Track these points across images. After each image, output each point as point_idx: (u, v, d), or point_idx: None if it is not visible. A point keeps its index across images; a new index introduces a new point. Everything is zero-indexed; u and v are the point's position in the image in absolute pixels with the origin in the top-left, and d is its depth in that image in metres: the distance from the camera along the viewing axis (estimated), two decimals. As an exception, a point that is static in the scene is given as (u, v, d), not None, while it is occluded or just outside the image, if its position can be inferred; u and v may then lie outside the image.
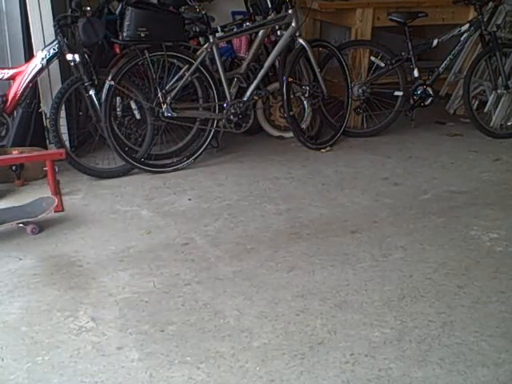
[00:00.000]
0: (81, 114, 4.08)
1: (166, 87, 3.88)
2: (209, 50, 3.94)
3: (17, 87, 3.73)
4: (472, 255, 2.96)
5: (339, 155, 4.34)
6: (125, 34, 3.66)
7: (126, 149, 3.89)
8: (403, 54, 4.51)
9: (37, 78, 3.79)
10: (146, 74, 3.94)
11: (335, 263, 2.88)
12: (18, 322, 2.42)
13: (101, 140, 3.94)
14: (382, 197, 3.64)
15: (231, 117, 4.10)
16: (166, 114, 3.85)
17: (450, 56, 4.63)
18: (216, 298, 2.59)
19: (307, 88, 4.33)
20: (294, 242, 3.08)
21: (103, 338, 2.33)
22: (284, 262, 2.89)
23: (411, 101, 4.61)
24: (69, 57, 3.68)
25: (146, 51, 3.75)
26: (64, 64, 3.90)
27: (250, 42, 4.40)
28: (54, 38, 3.75)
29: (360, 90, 4.53)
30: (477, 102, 4.85)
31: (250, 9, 4.39)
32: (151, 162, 3.98)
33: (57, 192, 3.47)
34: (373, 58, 4.58)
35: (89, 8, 3.70)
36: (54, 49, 3.73)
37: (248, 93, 4.17)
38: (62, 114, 3.82)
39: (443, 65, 4.63)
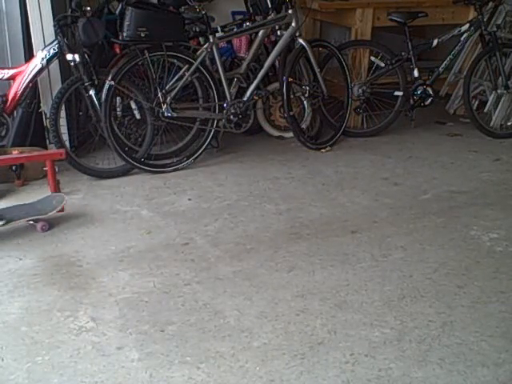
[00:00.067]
0: (81, 114, 4.08)
1: (166, 87, 3.88)
2: (209, 50, 3.94)
3: (17, 87, 3.74)
4: (472, 255, 2.96)
5: (339, 155, 4.34)
6: (125, 34, 3.66)
7: (126, 149, 3.89)
8: (403, 53, 4.51)
9: (37, 77, 3.79)
10: (146, 74, 3.94)
11: (335, 263, 2.88)
12: (18, 321, 2.42)
13: (101, 140, 3.94)
14: (382, 197, 3.64)
15: (231, 117, 4.10)
16: (166, 114, 3.85)
17: (450, 56, 4.63)
18: (216, 298, 2.59)
19: (307, 88, 4.33)
20: (293, 242, 3.08)
21: (103, 337, 2.33)
22: (284, 261, 2.89)
23: (411, 101, 4.61)
24: (69, 57, 3.69)
25: (146, 51, 3.75)
26: (64, 64, 3.90)
27: (250, 42, 4.40)
28: (54, 38, 3.75)
29: (360, 90, 4.53)
30: (477, 102, 4.85)
31: (250, 9, 4.39)
32: (151, 162, 3.98)
33: (57, 192, 3.47)
34: (373, 58, 4.58)
35: (89, 8, 3.70)
36: (54, 49, 3.73)
37: (248, 93, 4.17)
38: (62, 114, 3.82)
39: (443, 65, 4.63)
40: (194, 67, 3.88)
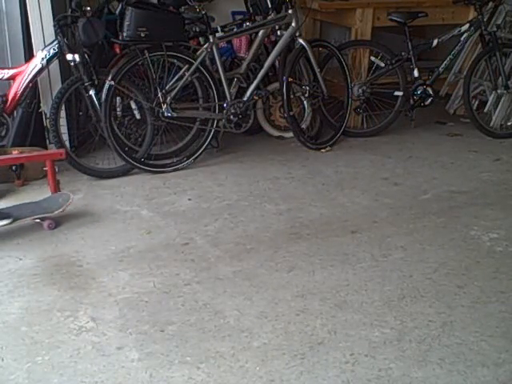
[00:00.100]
0: (81, 114, 4.08)
1: (166, 87, 3.88)
2: (209, 50, 3.94)
3: (17, 87, 3.74)
4: (472, 255, 2.96)
5: (339, 155, 4.34)
6: (125, 34, 3.66)
7: (126, 149, 3.89)
8: (403, 53, 4.51)
9: (37, 77, 3.79)
10: (146, 74, 3.94)
11: (335, 263, 2.88)
12: (18, 321, 2.42)
13: (101, 140, 3.94)
14: (382, 197, 3.64)
15: (231, 117, 4.10)
16: (166, 114, 3.85)
17: (450, 56, 4.63)
18: (216, 298, 2.59)
19: (307, 88, 4.33)
20: (293, 242, 3.08)
21: (103, 337, 2.33)
22: (284, 261, 2.89)
23: (411, 101, 4.61)
24: (69, 57, 3.69)
25: (145, 51, 3.75)
26: (64, 64, 3.90)
27: (250, 42, 4.40)
28: (54, 38, 3.75)
29: (360, 90, 4.53)
30: (477, 102, 4.85)
31: (250, 9, 4.38)
32: (151, 162, 3.98)
33: (57, 192, 3.47)
34: (373, 58, 4.58)
35: (89, 8, 3.70)
36: (54, 49, 3.73)
37: (248, 93, 4.17)
38: (62, 114, 3.82)
39: (443, 65, 4.63)
40: (194, 67, 3.88)
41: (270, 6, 4.15)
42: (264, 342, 2.30)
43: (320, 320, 2.44)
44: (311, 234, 3.17)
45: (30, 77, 3.73)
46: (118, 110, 3.96)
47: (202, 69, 3.94)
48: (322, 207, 3.49)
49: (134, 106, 3.92)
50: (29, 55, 3.87)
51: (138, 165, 3.90)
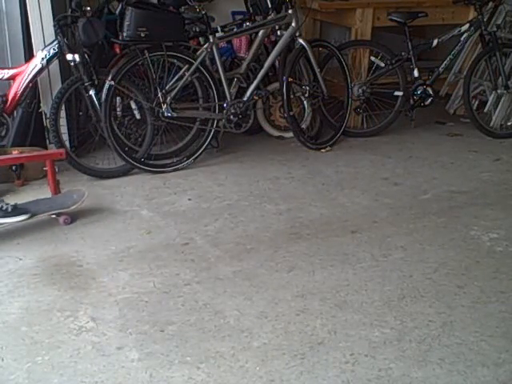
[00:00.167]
0: (81, 114, 4.07)
1: (166, 87, 3.88)
2: (209, 50, 3.94)
3: (17, 87, 3.74)
4: (472, 255, 2.96)
5: (339, 155, 4.34)
6: (125, 34, 3.66)
7: (126, 149, 3.89)
8: (403, 54, 4.51)
9: (37, 77, 3.79)
10: (146, 74, 3.94)
11: (335, 263, 2.88)
12: (18, 321, 2.42)
13: (101, 140, 3.94)
14: (382, 197, 3.64)
15: (231, 117, 4.10)
16: (166, 114, 3.85)
17: (450, 56, 4.63)
18: (216, 298, 2.59)
19: (307, 88, 4.33)
20: (293, 242, 3.08)
21: (103, 337, 2.33)
22: (284, 261, 2.89)
23: (411, 101, 4.61)
24: (69, 57, 3.69)
25: (145, 51, 3.75)
26: (64, 64, 3.90)
27: (250, 42, 4.40)
28: (54, 38, 3.75)
29: (360, 90, 4.53)
30: (477, 102, 4.85)
31: (250, 9, 4.39)
32: (151, 162, 3.98)
33: (57, 192, 3.47)
34: (373, 58, 4.58)
35: (89, 8, 3.70)
36: (54, 49, 3.73)
37: (248, 93, 4.17)
38: (62, 114, 3.82)
39: (443, 65, 4.63)
40: (194, 67, 3.88)
41: (270, 5, 4.15)
42: (264, 342, 2.30)
43: (320, 320, 2.44)
44: (311, 233, 3.17)
45: (30, 77, 3.73)
46: (118, 110, 3.96)
47: (201, 69, 3.94)
48: (322, 207, 3.49)
49: (134, 106, 3.92)
50: (29, 55, 3.87)
51: (138, 165, 3.90)
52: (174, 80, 3.91)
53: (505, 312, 2.51)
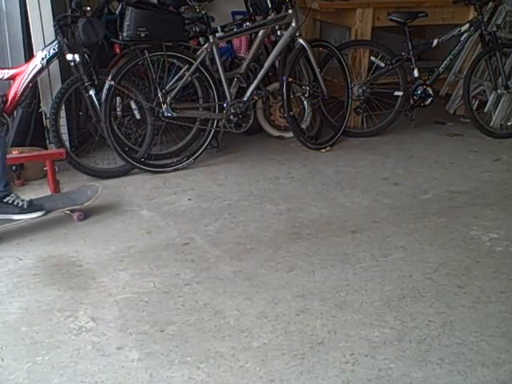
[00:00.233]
0: (81, 114, 4.07)
1: (166, 87, 3.88)
2: (209, 50, 3.94)
3: (17, 87, 3.73)
4: (472, 255, 2.96)
5: (339, 155, 4.34)
6: (125, 34, 3.66)
7: (126, 149, 3.89)
8: (403, 54, 4.51)
9: (37, 77, 3.79)
10: (146, 74, 3.94)
11: (335, 263, 2.88)
12: (18, 321, 2.42)
13: (101, 140, 3.94)
14: (382, 197, 3.64)
15: (231, 117, 4.10)
16: (166, 114, 3.85)
17: (450, 56, 4.63)
18: (216, 298, 2.59)
19: (307, 88, 4.33)
20: (293, 242, 3.08)
21: (103, 337, 2.33)
22: (284, 261, 2.89)
23: (411, 101, 4.61)
24: (69, 57, 3.69)
25: (146, 51, 3.75)
26: (64, 64, 3.90)
27: (250, 42, 4.40)
28: (54, 38, 3.75)
29: (360, 90, 4.53)
30: (477, 102, 4.85)
31: (250, 9, 4.39)
32: (151, 162, 3.98)
33: (57, 192, 3.47)
34: (373, 58, 4.58)
35: (89, 8, 3.71)
36: (54, 49, 3.73)
37: (248, 93, 4.17)
38: (62, 114, 3.82)
39: (443, 65, 4.63)
40: (194, 67, 3.88)
41: (270, 5, 4.15)
42: (264, 342, 2.30)
43: (320, 320, 2.44)
44: (311, 233, 3.17)
45: (30, 77, 3.73)
46: (118, 110, 3.96)
47: (201, 69, 3.94)
48: (322, 207, 3.49)
49: (134, 106, 3.92)
50: (29, 55, 3.87)
51: (138, 165, 3.90)
52: (173, 80, 3.91)
53: (505, 312, 2.51)
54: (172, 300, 2.57)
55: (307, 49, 4.22)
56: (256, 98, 4.26)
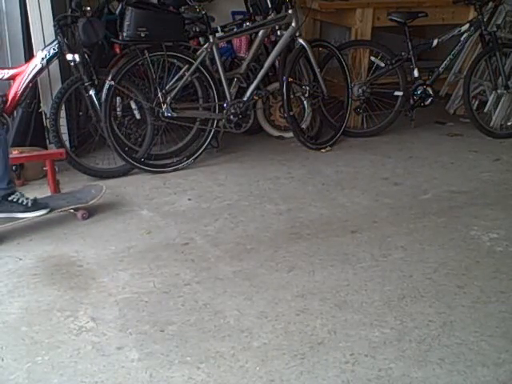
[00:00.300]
0: (81, 114, 4.08)
1: (166, 87, 3.88)
2: (209, 49, 3.94)
3: (17, 87, 3.74)
4: (472, 255, 2.96)
5: (339, 155, 4.34)
6: (125, 34, 3.66)
7: (126, 149, 3.89)
8: (403, 54, 4.51)
9: (37, 78, 3.79)
10: (146, 74, 3.94)
11: (335, 263, 2.88)
12: (18, 321, 2.42)
13: (101, 140, 3.94)
14: (382, 197, 3.64)
15: (231, 117, 4.10)
16: (166, 114, 3.85)
17: (450, 56, 4.63)
18: (216, 298, 2.59)
19: (307, 88, 4.33)
20: (294, 242, 3.08)
21: (103, 337, 2.33)
22: (284, 261, 2.89)
23: (411, 101, 4.61)
24: (69, 57, 3.69)
25: (146, 51, 3.75)
26: (64, 64, 3.90)
27: (250, 42, 4.40)
28: (54, 38, 3.75)
29: (360, 90, 4.53)
30: (477, 102, 4.85)
31: (250, 9, 4.39)
32: (151, 162, 3.98)
33: (57, 192, 3.47)
34: (373, 58, 4.58)
35: (89, 8, 3.71)
36: (54, 49, 3.73)
37: (248, 93, 4.17)
38: (62, 114, 3.82)
39: (443, 65, 4.63)
40: (194, 67, 3.88)
41: (270, 5, 4.15)
42: (264, 342, 2.30)
43: (320, 320, 2.44)
44: (311, 233, 3.17)
45: (30, 77, 3.73)
46: (118, 110, 3.96)
47: (201, 69, 3.94)
48: (322, 207, 3.49)
49: (134, 106, 3.92)
50: (29, 55, 3.88)
51: (138, 165, 3.90)
52: (173, 80, 3.91)
53: (505, 312, 2.51)
54: (172, 300, 2.57)
55: (307, 49, 4.22)
56: (256, 98, 4.26)
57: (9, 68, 3.79)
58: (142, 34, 3.65)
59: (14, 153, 3.63)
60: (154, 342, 2.31)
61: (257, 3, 4.27)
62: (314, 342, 2.31)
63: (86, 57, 3.73)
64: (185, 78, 3.89)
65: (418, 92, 4.58)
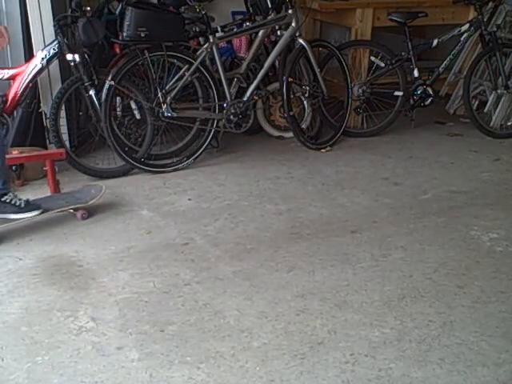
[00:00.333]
0: (81, 113, 4.08)
1: (166, 87, 3.88)
2: (209, 49, 3.94)
3: (17, 87, 3.73)
4: (472, 255, 2.96)
5: (339, 155, 4.34)
6: (125, 34, 3.66)
7: (126, 149, 3.89)
8: (403, 54, 4.51)
9: (37, 78, 3.79)
10: (146, 74, 3.94)
11: (335, 263, 2.88)
12: (18, 321, 2.42)
13: (101, 140, 3.94)
14: (382, 197, 3.64)
15: (231, 117, 4.10)
16: (166, 114, 3.85)
17: (450, 56, 4.63)
18: (216, 298, 2.59)
19: (307, 88, 4.33)
20: (294, 242, 3.08)
21: (103, 337, 2.33)
22: (284, 261, 2.89)
23: (411, 101, 4.61)
24: (69, 57, 3.69)
25: (146, 51, 3.75)
26: (64, 64, 3.90)
27: (250, 42, 4.40)
28: (54, 38, 3.75)
29: (360, 90, 4.53)
30: (477, 102, 4.85)
31: (250, 9, 4.39)
32: (151, 162, 3.98)
33: (57, 192, 3.47)
34: (373, 58, 4.58)
35: (89, 8, 3.71)
36: (54, 49, 3.73)
37: (248, 93, 4.17)
38: (62, 114, 3.82)
39: (443, 65, 4.63)
40: (194, 67, 3.88)
41: (270, 5, 4.15)
42: (264, 342, 2.30)
43: (320, 320, 2.44)
44: (311, 233, 3.17)
45: (30, 77, 3.73)
46: (118, 110, 3.96)
47: (201, 69, 3.94)
48: (322, 207, 3.49)
49: (134, 106, 3.92)
50: (29, 55, 3.88)
51: (138, 165, 3.90)
52: (174, 80, 3.91)
53: (505, 312, 2.51)
54: (172, 300, 2.57)
55: (307, 49, 4.22)
56: (256, 98, 4.26)
57: (9, 68, 3.79)
58: (142, 34, 3.65)
59: (14, 153, 3.64)
60: (154, 342, 2.31)
61: (257, 3, 4.27)
62: (314, 341, 2.31)
63: (86, 57, 3.73)
64: (185, 78, 3.89)
65: (418, 92, 4.58)
